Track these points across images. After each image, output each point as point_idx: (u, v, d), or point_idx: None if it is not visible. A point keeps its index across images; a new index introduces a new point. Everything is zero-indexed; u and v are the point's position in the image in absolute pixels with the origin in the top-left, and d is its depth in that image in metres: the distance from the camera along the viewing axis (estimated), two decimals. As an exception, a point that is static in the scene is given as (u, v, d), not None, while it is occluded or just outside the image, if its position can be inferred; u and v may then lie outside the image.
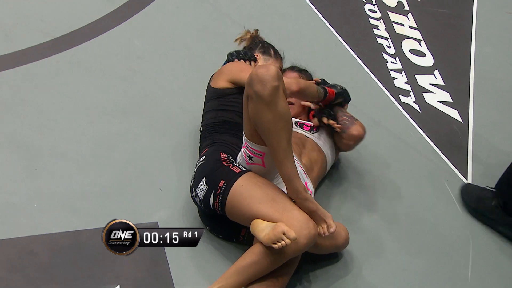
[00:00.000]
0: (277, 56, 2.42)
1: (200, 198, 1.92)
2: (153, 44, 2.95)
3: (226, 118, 2.11)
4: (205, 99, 2.27)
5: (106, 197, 2.11)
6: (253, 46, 2.41)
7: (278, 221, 1.75)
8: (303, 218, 1.76)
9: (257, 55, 2.34)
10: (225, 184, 1.84)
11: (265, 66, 1.76)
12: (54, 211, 2.02)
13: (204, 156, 1.99)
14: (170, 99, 2.62)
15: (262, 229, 1.75)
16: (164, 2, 3.27)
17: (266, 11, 3.43)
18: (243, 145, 1.93)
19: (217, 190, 1.86)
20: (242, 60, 2.26)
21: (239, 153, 1.98)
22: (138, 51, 2.88)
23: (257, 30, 2.50)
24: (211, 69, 2.56)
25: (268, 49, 2.40)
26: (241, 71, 2.15)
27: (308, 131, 2.28)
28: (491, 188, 2.33)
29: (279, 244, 1.68)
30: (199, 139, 2.19)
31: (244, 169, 1.90)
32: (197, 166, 1.99)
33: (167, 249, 1.97)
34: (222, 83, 2.18)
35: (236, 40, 2.49)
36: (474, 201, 2.33)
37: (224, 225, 2.01)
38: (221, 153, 1.98)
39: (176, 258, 1.95)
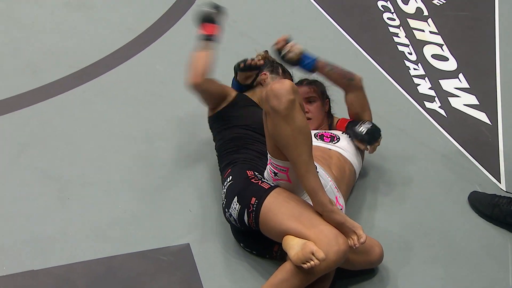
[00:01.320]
0: (286, 74, 2.42)
1: (235, 217, 1.92)
2: (175, 68, 2.99)
3: (231, 135, 2.15)
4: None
5: (137, 222, 2.14)
6: (265, 65, 2.42)
7: (306, 237, 1.74)
8: (332, 234, 1.74)
9: (265, 74, 2.38)
10: (256, 201, 1.85)
11: (280, 81, 1.78)
12: (87, 239, 2.06)
13: (230, 176, 2.00)
14: (194, 122, 2.64)
15: (292, 246, 1.74)
16: (183, 26, 3.32)
17: (284, 27, 3.45)
18: (268, 162, 1.94)
19: (249, 207, 1.86)
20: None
21: (266, 170, 1.99)
22: (160, 76, 2.93)
23: (267, 51, 2.51)
24: (233, 89, 2.59)
25: (276, 68, 2.42)
26: None
27: (329, 142, 2.27)
28: (508, 193, 2.32)
29: (308, 264, 1.67)
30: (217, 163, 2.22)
31: (272, 184, 1.91)
32: (226, 187, 2.00)
33: (200, 269, 1.98)
34: (210, 111, 2.30)
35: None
36: (488, 208, 2.29)
37: (257, 242, 2.01)
38: (247, 171, 1.99)
39: (210, 279, 1.95)
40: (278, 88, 1.73)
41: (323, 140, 2.28)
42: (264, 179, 1.96)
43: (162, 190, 2.28)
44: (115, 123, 2.60)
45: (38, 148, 2.42)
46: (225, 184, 2.02)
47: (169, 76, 2.93)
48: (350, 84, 2.26)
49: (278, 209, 1.82)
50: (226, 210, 1.96)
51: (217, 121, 2.26)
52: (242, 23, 3.42)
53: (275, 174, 1.90)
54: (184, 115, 2.68)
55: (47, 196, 2.21)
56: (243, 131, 2.15)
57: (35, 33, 3.15)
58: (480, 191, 2.39)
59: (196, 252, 2.04)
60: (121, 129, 2.57)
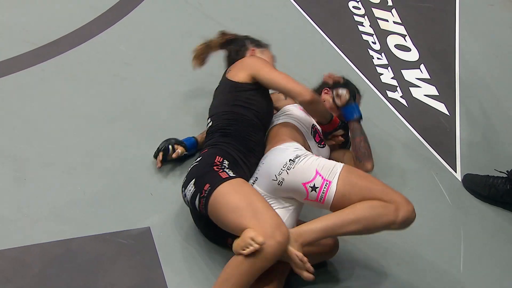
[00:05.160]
0: (266, 45, 2.40)
1: (188, 199, 1.92)
2: (138, 49, 2.94)
3: (240, 116, 2.07)
4: (217, 91, 2.22)
5: (97, 205, 2.11)
6: (242, 43, 2.35)
7: (246, 227, 1.71)
8: (271, 226, 1.70)
9: (254, 49, 2.32)
10: (209, 187, 1.84)
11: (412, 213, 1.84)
12: (44, 221, 2.01)
13: (201, 157, 1.99)
14: (158, 104, 2.61)
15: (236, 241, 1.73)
16: (148, 7, 3.26)
17: (250, 12, 3.44)
18: (323, 175, 1.87)
19: (202, 193, 1.85)
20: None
21: (303, 160, 1.93)
22: (124, 56, 2.87)
23: (223, 30, 2.43)
24: (197, 73, 2.56)
25: (257, 41, 2.39)
26: (263, 67, 2.12)
27: (317, 142, 2.22)
28: (502, 173, 2.42)
29: (247, 250, 1.65)
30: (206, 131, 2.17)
31: (233, 175, 1.88)
32: (191, 166, 1.99)
33: (160, 254, 1.97)
34: (242, 76, 2.12)
35: (199, 47, 2.43)
36: (485, 188, 2.42)
37: (212, 229, 2.00)
38: (217, 156, 1.96)
39: (170, 263, 1.95)
40: (413, 218, 1.84)
41: (314, 137, 2.22)
42: (227, 169, 1.91)
43: (123, 173, 2.25)
44: (76, 103, 2.53)
45: (-7, 127, 2.34)
46: (193, 162, 2.00)
47: (132, 57, 2.88)
48: (356, 162, 2.19)
49: (226, 199, 1.80)
50: (183, 189, 1.96)
51: (236, 92, 2.11)
52: (207, 6, 3.38)
53: (314, 189, 1.87)
54: (147, 97, 2.64)
55: (3, 175, 2.14)
56: (253, 117, 2.08)
57: (-9, 7, 3.03)
58: (474, 173, 2.49)
59: (156, 235, 2.03)
60: (81, 109, 2.51)
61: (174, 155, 2.25)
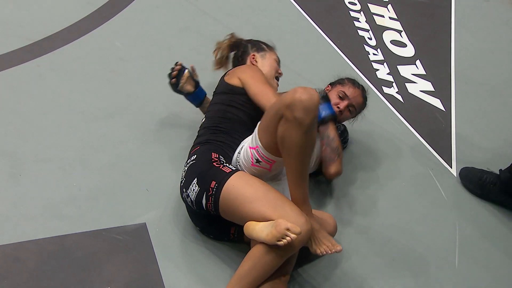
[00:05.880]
0: (269, 47, 2.44)
1: (192, 199, 1.91)
2: (134, 45, 2.93)
3: (233, 115, 2.12)
4: (215, 92, 2.27)
5: (92, 200, 2.10)
6: (244, 49, 2.42)
7: (270, 219, 1.74)
8: (296, 215, 1.75)
9: (254, 55, 2.37)
10: (216, 184, 1.84)
11: (307, 91, 1.71)
12: (39, 217, 2.01)
13: (195, 155, 1.99)
14: (154, 100, 2.61)
15: (260, 229, 1.74)
16: (144, 3, 3.25)
17: (246, 8, 3.43)
18: (252, 146, 1.94)
19: (209, 191, 1.86)
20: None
21: (241, 153, 1.99)
22: (119, 52, 2.86)
23: (232, 33, 2.50)
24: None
25: (259, 45, 2.42)
26: (252, 77, 2.16)
27: None
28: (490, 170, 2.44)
29: (284, 240, 1.68)
30: (197, 130, 2.18)
31: (234, 168, 1.91)
32: (187, 165, 1.98)
33: (156, 250, 1.97)
34: (236, 81, 2.18)
35: (214, 52, 2.50)
36: (477, 187, 2.43)
37: (213, 225, 2.01)
38: (213, 153, 1.98)
39: (166, 259, 1.95)
40: (307, 100, 1.70)
41: None
42: (226, 164, 1.94)
43: (119, 168, 2.25)
44: (71, 99, 2.53)
45: (-12, 123, 2.33)
46: (188, 161, 2.00)
47: (128, 53, 2.87)
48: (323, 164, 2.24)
49: (240, 192, 1.82)
50: (184, 190, 1.95)
51: (230, 94, 2.17)
52: (203, 1, 3.37)
53: (258, 161, 1.92)
54: (142, 93, 2.64)
55: (-2, 172, 2.14)
56: (246, 118, 2.12)
57: (-14, 2, 3.01)
58: (469, 167, 2.50)
59: (152, 232, 2.03)
60: (77, 105, 2.50)
61: (191, 70, 2.29)
